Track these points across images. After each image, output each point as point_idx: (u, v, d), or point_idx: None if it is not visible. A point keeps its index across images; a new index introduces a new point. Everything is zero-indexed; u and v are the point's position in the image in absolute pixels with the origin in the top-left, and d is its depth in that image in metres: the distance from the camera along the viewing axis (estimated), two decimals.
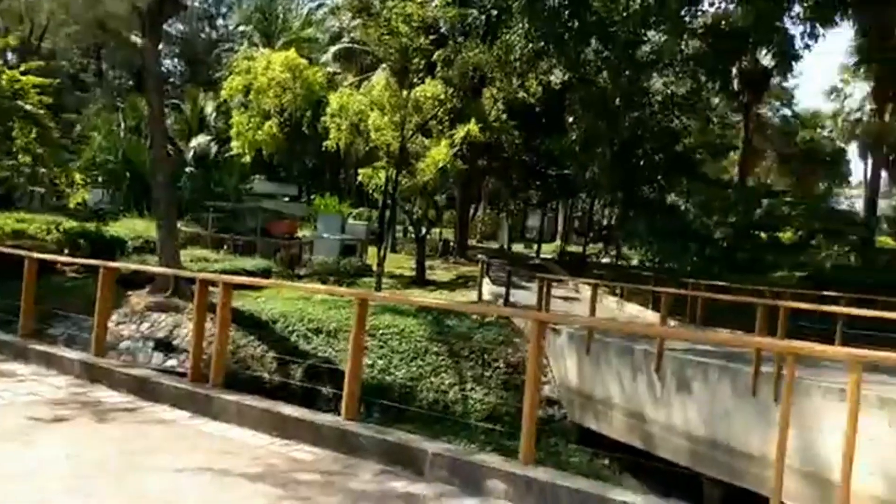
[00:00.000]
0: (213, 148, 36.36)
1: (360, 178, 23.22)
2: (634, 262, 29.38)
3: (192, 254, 20.31)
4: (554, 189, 35.35)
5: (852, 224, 26.60)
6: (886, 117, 33.79)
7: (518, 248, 44.02)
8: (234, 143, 22.67)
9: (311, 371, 12.92)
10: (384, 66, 25.57)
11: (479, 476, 4.71)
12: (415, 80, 21.60)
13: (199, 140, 36.97)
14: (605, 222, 43.85)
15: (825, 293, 14.27)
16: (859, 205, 37.94)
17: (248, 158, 23.36)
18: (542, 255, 36.44)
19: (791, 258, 22.66)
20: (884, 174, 40.93)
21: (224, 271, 15.52)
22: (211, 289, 7.82)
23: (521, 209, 46.03)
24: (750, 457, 8.81)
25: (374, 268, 20.80)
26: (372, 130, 20.51)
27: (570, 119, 28.17)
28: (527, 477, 4.54)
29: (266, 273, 19.18)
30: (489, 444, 10.61)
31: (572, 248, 37.87)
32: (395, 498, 4.72)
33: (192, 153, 36.51)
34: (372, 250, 24.63)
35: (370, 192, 24.17)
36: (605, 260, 34.62)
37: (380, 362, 13.42)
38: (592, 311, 13.25)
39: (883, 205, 40.10)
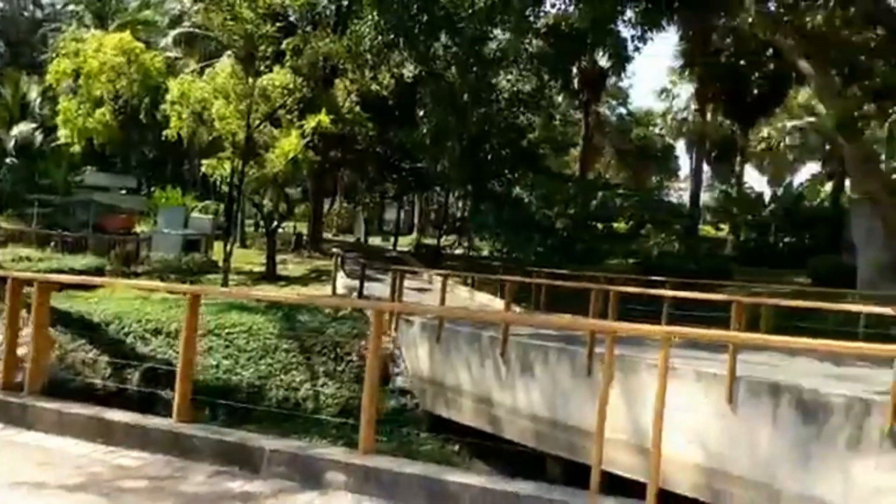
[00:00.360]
0: (38, 137, 33.42)
1: (203, 169, 22.22)
2: (485, 252, 30.30)
3: (14, 252, 18.61)
4: (409, 182, 35.69)
5: (679, 215, 29.02)
6: (708, 116, 37.07)
7: (376, 241, 44.06)
8: (61, 132, 21.18)
9: (150, 374, 12.17)
10: (229, 52, 24.59)
11: (319, 469, 4.66)
12: (262, 68, 20.97)
13: (22, 128, 33.87)
14: (458, 214, 44.86)
15: (654, 278, 15.46)
16: (687, 197, 41.43)
17: (77, 148, 21.69)
18: (398, 248, 36.68)
19: (624, 246, 24.40)
20: (707, 168, 45.05)
21: (49, 271, 14.31)
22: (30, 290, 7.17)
23: (377, 202, 46.08)
24: (586, 433, 9.33)
25: (221, 264, 20.01)
26: (216, 119, 19.76)
27: (421, 113, 28.54)
28: (366, 466, 4.55)
29: (98, 272, 17.90)
30: (341, 439, 10.52)
31: (428, 241, 38.40)
32: (231, 498, 4.57)
33: (13, 142, 33.37)
34: (218, 246, 23.65)
35: (217, 184, 23.20)
36: (459, 251, 35.41)
37: (225, 362, 12.89)
38: (442, 300, 13.50)
39: (706, 197, 44.13)
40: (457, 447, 11.73)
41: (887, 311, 8.80)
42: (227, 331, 13.46)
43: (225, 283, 18.53)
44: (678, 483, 8.52)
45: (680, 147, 50.89)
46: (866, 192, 17.79)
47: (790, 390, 7.91)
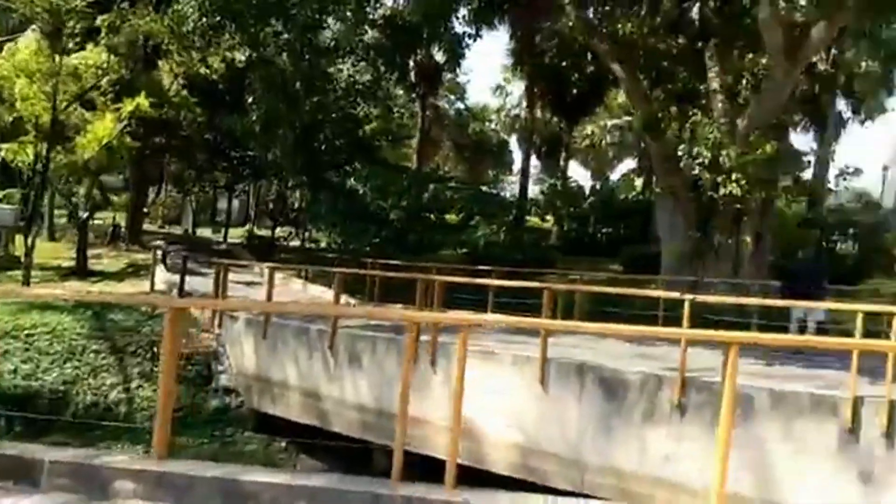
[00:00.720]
0: None
1: (2, 154, 20.02)
2: (323, 244, 29.90)
3: None
4: (241, 171, 34.36)
5: (507, 207, 30.40)
6: (538, 113, 38.85)
7: (206, 232, 41.96)
8: None
9: None
10: (34, 27, 22.30)
11: (106, 479, 4.34)
12: (71, 45, 19.24)
13: None
14: (296, 205, 43.76)
15: (481, 268, 15.99)
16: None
17: None
18: (230, 240, 35.20)
19: (455, 237, 25.15)
20: (536, 163, 47.33)
21: None
22: None
23: (207, 192, 43.91)
24: (413, 420, 9.47)
25: (23, 259, 18.16)
26: (18, 100, 17.96)
27: (251, 99, 27.51)
28: (158, 472, 4.31)
29: None
30: None
31: (262, 232, 37.17)
32: None
33: None
34: (22, 239, 21.43)
35: (23, 171, 20.97)
36: (296, 243, 34.64)
37: (24, 367, 11.75)
38: (269, 294, 13.11)
39: (535, 190, 46.45)
40: (284, 444, 11.50)
41: (675, 294, 9.72)
42: (26, 332, 12.31)
43: (27, 281, 16.86)
44: (496, 463, 8.92)
45: (513, 142, 53.07)
46: (669, 188, 19.51)
47: (594, 370, 8.51)
